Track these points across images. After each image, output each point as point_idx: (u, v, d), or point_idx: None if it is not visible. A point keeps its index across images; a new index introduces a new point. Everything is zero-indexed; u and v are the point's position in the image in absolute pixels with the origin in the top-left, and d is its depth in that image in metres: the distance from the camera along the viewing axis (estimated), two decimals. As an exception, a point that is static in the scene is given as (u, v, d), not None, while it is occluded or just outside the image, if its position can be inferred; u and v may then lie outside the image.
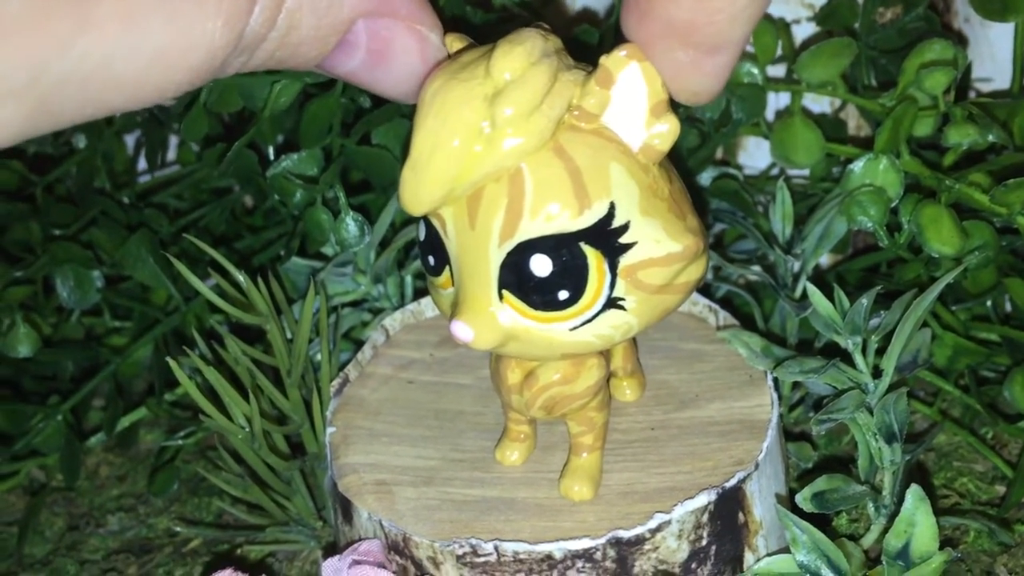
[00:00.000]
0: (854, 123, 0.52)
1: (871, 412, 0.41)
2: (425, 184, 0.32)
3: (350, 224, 0.44)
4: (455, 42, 0.34)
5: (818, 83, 0.46)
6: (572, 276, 0.33)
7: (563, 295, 0.33)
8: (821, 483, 0.39)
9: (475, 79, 0.32)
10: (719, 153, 0.51)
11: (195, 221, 0.49)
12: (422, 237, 0.35)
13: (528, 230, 0.33)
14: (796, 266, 0.45)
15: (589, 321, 0.34)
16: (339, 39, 0.32)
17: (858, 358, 0.40)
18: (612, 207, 0.33)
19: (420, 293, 0.48)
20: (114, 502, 0.50)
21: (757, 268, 0.46)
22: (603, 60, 0.32)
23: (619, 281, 0.33)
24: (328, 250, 0.47)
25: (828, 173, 0.48)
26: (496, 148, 0.32)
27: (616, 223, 0.33)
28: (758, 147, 0.53)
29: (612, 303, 0.34)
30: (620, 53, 0.32)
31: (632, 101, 0.33)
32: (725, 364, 0.43)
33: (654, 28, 0.31)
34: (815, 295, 0.40)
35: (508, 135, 0.32)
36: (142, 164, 0.54)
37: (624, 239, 0.33)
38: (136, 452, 0.53)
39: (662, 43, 0.32)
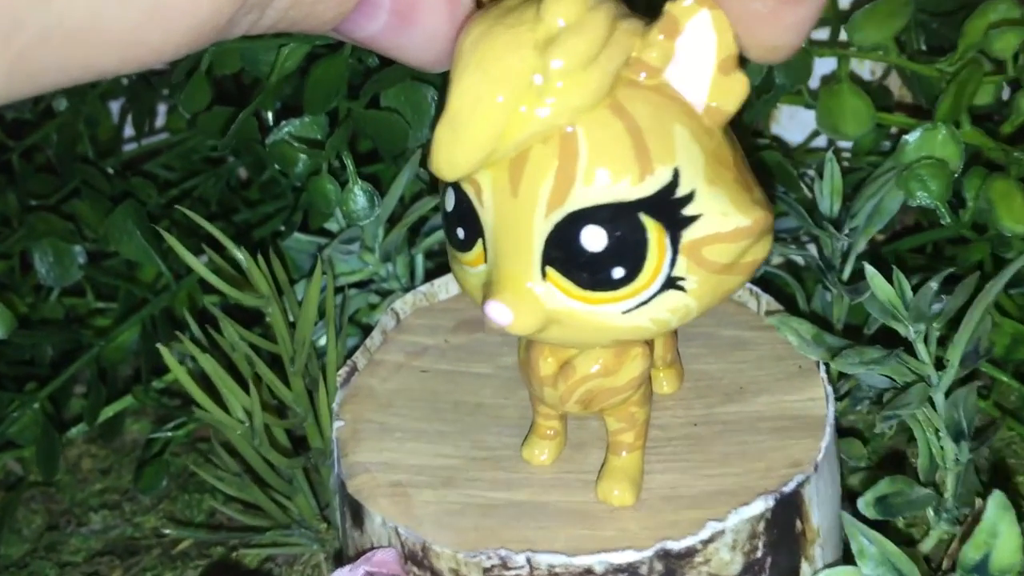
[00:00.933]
0: (895, 91, 0.48)
1: (934, 406, 0.37)
2: (464, 144, 0.28)
3: (359, 195, 0.40)
4: None
5: (870, 46, 0.42)
6: (629, 252, 0.29)
7: (618, 273, 0.29)
8: (884, 486, 0.36)
9: (523, 25, 0.28)
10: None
11: (187, 192, 0.44)
12: (450, 206, 0.31)
13: (581, 198, 0.29)
14: (844, 246, 0.41)
15: (645, 303, 0.30)
16: None
17: (921, 348, 0.37)
18: (676, 173, 0.29)
19: (432, 274, 0.44)
20: (97, 498, 0.47)
21: (803, 248, 0.42)
22: (669, 6, 0.29)
23: (680, 258, 0.30)
24: (332, 226, 0.43)
25: (875, 146, 0.44)
26: (547, 104, 0.28)
27: (680, 192, 0.29)
28: (791, 118, 0.49)
29: (671, 283, 0.30)
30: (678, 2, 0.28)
31: (699, 55, 0.29)
32: (770, 353, 0.39)
33: None
34: (875, 278, 0.37)
35: (561, 89, 0.28)
36: (128, 131, 0.50)
37: (688, 211, 0.29)
38: (121, 443, 0.49)
39: None
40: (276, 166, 0.40)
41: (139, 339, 0.44)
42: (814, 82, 0.46)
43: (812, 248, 0.44)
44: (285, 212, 0.44)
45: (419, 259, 0.45)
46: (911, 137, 0.41)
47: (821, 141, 0.47)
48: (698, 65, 0.29)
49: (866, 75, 0.49)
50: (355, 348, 0.41)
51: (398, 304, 0.42)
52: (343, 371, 0.39)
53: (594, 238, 0.29)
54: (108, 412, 0.46)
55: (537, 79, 0.28)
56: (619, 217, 0.29)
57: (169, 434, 0.44)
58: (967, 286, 0.37)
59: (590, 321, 0.30)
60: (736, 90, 0.29)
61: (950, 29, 0.43)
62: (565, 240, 0.29)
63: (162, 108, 0.50)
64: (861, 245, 0.41)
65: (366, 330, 0.44)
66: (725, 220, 0.30)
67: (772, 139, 0.48)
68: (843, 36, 0.45)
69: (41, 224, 0.42)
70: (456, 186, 0.30)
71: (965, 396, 0.36)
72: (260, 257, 0.37)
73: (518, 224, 0.29)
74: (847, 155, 0.47)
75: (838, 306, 0.42)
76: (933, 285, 0.35)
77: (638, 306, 0.30)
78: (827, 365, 0.37)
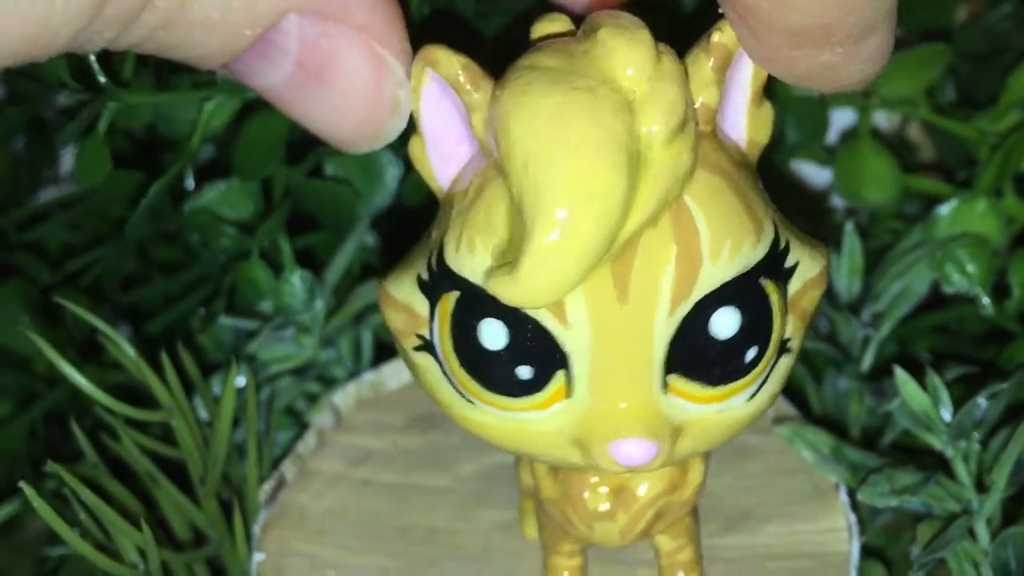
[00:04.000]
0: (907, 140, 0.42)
1: (973, 537, 0.31)
2: (579, 251, 0.22)
3: (296, 285, 0.33)
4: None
5: (897, 99, 0.36)
6: (760, 326, 0.24)
7: (751, 355, 0.24)
8: (921, 638, 0.30)
9: (602, 87, 0.22)
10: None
11: (89, 266, 0.38)
12: (500, 343, 0.24)
13: (709, 280, 0.24)
14: (864, 334, 0.35)
15: (766, 380, 0.25)
16: (257, 33, 0.23)
17: (960, 468, 0.31)
18: (774, 224, 0.25)
19: (380, 355, 0.38)
20: (-14, 609, 0.40)
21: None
22: (717, 37, 0.23)
23: (788, 316, 0.25)
24: (265, 304, 0.36)
25: (899, 210, 0.38)
26: (658, 177, 0.22)
27: (782, 243, 0.25)
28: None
29: (783, 348, 0.25)
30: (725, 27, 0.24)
31: (739, 88, 0.25)
32: (780, 465, 0.33)
33: (778, 42, 0.23)
34: (907, 385, 0.31)
35: (666, 157, 0.22)
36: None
37: (789, 261, 0.25)
38: (19, 541, 0.42)
39: (797, 53, 0.23)
40: (194, 237, 0.34)
41: (27, 437, 0.37)
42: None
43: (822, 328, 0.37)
44: (204, 286, 0.37)
45: (367, 338, 0.38)
46: (944, 209, 0.35)
47: (835, 200, 0.41)
48: (738, 99, 0.25)
49: (880, 122, 0.43)
50: (285, 451, 0.34)
51: (338, 397, 0.35)
52: (268, 485, 0.32)
53: (726, 322, 0.24)
54: (3, 513, 0.40)
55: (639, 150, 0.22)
56: (746, 289, 0.24)
57: (64, 550, 0.37)
58: (1007, 393, 0.31)
59: (720, 422, 0.25)
60: (767, 120, 0.25)
61: (985, 76, 0.37)
62: (692, 335, 0.24)
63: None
64: (884, 332, 0.35)
65: (301, 425, 0.37)
66: (813, 264, 0.26)
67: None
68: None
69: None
70: (511, 316, 0.24)
71: (1015, 535, 0.30)
72: (165, 353, 0.31)
73: (631, 334, 0.23)
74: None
75: (855, 403, 0.36)
76: (981, 402, 0.29)
77: (760, 386, 0.25)
78: (849, 487, 0.31)
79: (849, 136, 0.39)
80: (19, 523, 0.42)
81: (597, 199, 0.21)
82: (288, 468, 0.33)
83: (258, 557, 0.31)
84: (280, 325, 0.35)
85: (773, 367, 0.25)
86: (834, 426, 0.34)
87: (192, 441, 0.30)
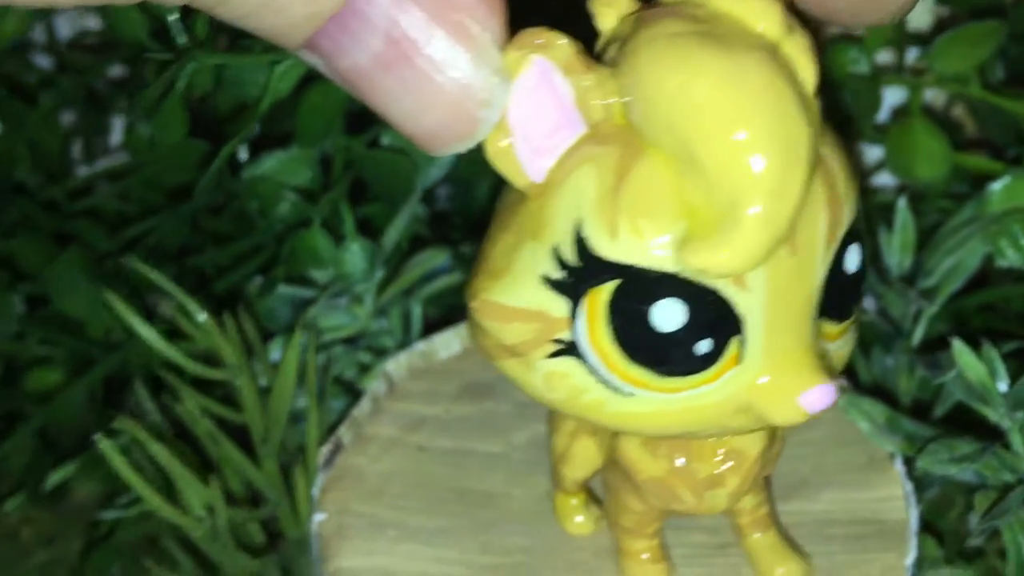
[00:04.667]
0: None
1: (1028, 507, 0.31)
2: (785, 214, 0.22)
3: (356, 253, 0.33)
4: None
5: (951, 76, 0.36)
6: (865, 263, 0.25)
7: (862, 289, 0.25)
8: (977, 605, 0.30)
9: (757, 46, 0.22)
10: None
11: (146, 233, 0.38)
12: (678, 323, 0.23)
13: (847, 218, 0.24)
14: (917, 308, 0.35)
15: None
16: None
17: (1017, 440, 0.31)
18: None
19: (430, 326, 0.38)
20: (39, 573, 0.41)
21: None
22: None
23: None
24: (318, 273, 0.36)
25: (948, 188, 0.38)
26: (816, 124, 0.23)
27: None
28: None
29: None
30: None
31: None
32: (835, 436, 0.33)
33: None
34: (964, 355, 0.31)
35: (817, 105, 0.23)
36: (77, 150, 0.43)
37: None
38: (67, 507, 0.42)
39: None
40: (253, 205, 0.34)
41: (86, 401, 0.38)
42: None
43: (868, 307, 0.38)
44: (261, 253, 0.37)
45: (416, 311, 0.38)
46: (998, 185, 0.35)
47: (881, 179, 0.41)
48: None
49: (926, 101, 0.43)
50: (339, 417, 0.34)
51: (391, 365, 0.36)
52: (326, 449, 0.33)
53: (854, 256, 0.25)
54: (52, 479, 0.40)
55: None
56: (859, 223, 0.25)
57: (120, 514, 0.37)
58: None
59: (841, 357, 0.26)
60: None
61: (1034, 56, 0.37)
62: (834, 275, 0.24)
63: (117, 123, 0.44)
64: (935, 307, 0.35)
65: (352, 393, 0.37)
66: None
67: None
68: (907, 61, 0.39)
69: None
70: (689, 293, 0.23)
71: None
72: (229, 315, 0.31)
73: (797, 284, 0.24)
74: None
75: (905, 378, 0.36)
76: (1043, 369, 0.30)
77: (852, 325, 0.26)
78: (905, 456, 0.32)
79: (899, 114, 0.39)
80: (68, 490, 0.42)
81: (803, 151, 0.22)
82: (345, 432, 0.33)
83: (319, 517, 0.31)
84: (337, 293, 0.35)
85: None
86: (884, 399, 0.35)
87: (255, 398, 0.30)
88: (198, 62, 0.26)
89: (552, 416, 0.30)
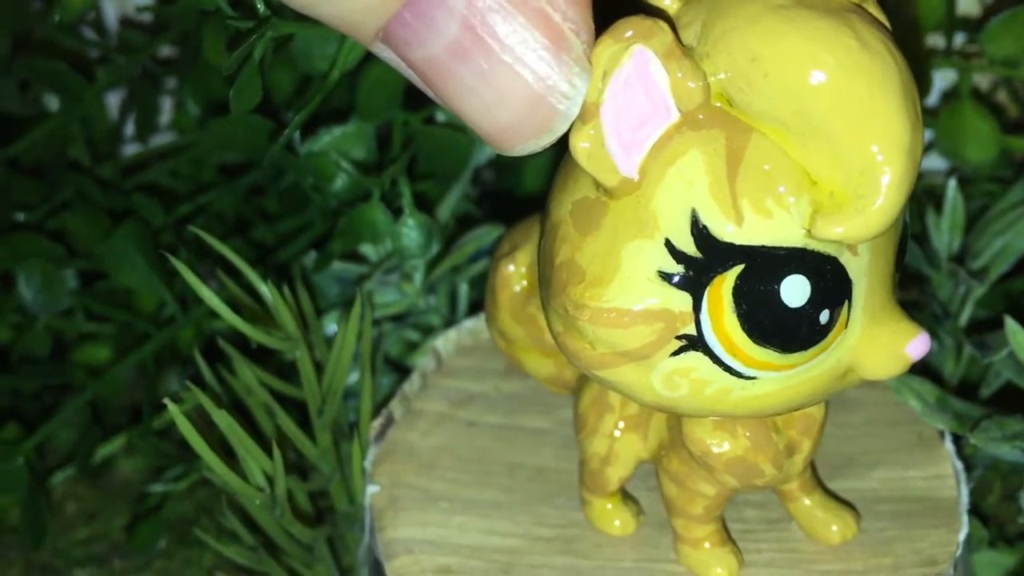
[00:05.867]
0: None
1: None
2: (916, 169, 0.23)
3: (414, 228, 0.34)
4: None
5: (1002, 59, 0.36)
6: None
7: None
8: (1024, 584, 0.30)
9: (853, 16, 0.22)
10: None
11: (198, 208, 0.38)
12: (802, 298, 0.23)
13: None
14: (964, 290, 0.35)
15: None
16: None
17: (1066, 418, 0.31)
18: None
19: (475, 306, 0.38)
20: (82, 548, 0.41)
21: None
22: None
23: None
24: (367, 250, 0.37)
25: (995, 172, 0.38)
26: None
27: None
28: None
29: None
30: None
31: None
32: (882, 417, 0.33)
33: None
34: (1017, 335, 0.31)
35: None
36: (128, 129, 0.44)
37: None
38: (111, 484, 0.43)
39: None
40: (308, 180, 0.34)
41: (136, 376, 0.38)
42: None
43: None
44: (311, 231, 0.37)
45: (463, 289, 0.39)
46: (1047, 166, 0.35)
47: (928, 162, 0.42)
48: None
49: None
50: (389, 393, 0.35)
51: (439, 342, 0.36)
52: (377, 423, 0.33)
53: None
54: (100, 454, 0.40)
55: None
56: None
57: (168, 487, 0.38)
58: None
59: None
60: None
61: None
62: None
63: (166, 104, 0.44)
64: (984, 288, 0.35)
65: (398, 371, 0.38)
66: None
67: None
68: (954, 44, 0.39)
69: (26, 243, 0.36)
70: (811, 265, 0.23)
71: None
72: (285, 288, 0.31)
73: (889, 243, 0.24)
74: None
75: (952, 360, 0.36)
76: (1094, 349, 0.30)
77: None
78: (954, 435, 0.32)
79: (948, 97, 0.39)
80: (113, 467, 0.43)
81: (919, 110, 0.22)
82: (395, 407, 0.34)
83: (372, 489, 0.31)
84: (389, 269, 0.35)
85: None
86: (936, 381, 0.35)
87: (312, 370, 0.31)
88: (276, 30, 0.26)
89: (584, 418, 0.30)
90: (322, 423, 0.32)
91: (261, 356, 0.34)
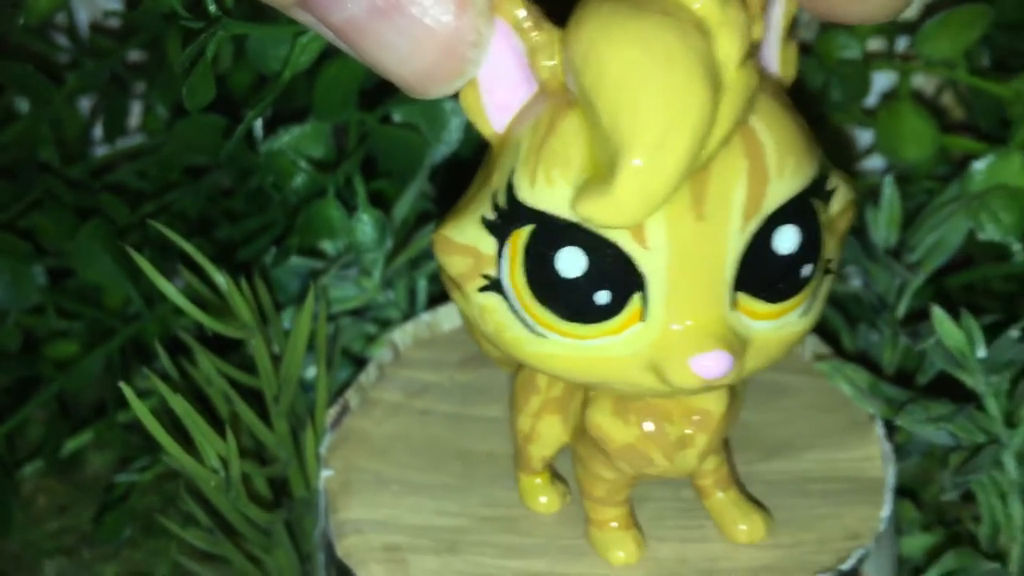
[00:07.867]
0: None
1: (1001, 469, 0.33)
2: (668, 170, 0.23)
3: (368, 223, 0.35)
4: None
5: (939, 60, 0.37)
6: (814, 243, 0.26)
7: (807, 271, 0.26)
8: (950, 561, 0.31)
9: (680, 12, 0.23)
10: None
11: (163, 207, 0.39)
12: (578, 270, 0.25)
13: (775, 196, 0.25)
14: (901, 282, 0.37)
15: (816, 297, 0.27)
16: None
17: (992, 403, 0.32)
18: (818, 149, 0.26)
19: (434, 300, 0.39)
20: (52, 541, 0.42)
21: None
22: None
23: (827, 237, 0.26)
24: (327, 246, 0.38)
25: (933, 169, 0.40)
26: (734, 98, 0.23)
27: (825, 167, 0.26)
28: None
29: (827, 267, 0.27)
30: None
31: (775, 23, 0.26)
32: (816, 402, 0.34)
33: None
34: (943, 323, 0.32)
35: (739, 79, 0.23)
36: (98, 131, 0.45)
37: (829, 185, 0.27)
38: (81, 478, 0.44)
39: None
40: (269, 179, 0.36)
41: (103, 370, 0.39)
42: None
43: (855, 282, 0.39)
44: (273, 229, 0.39)
45: (421, 284, 0.40)
46: (980, 164, 0.36)
47: (868, 163, 0.43)
48: (772, 35, 0.26)
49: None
50: (346, 384, 0.36)
51: (396, 335, 0.37)
52: (333, 411, 0.34)
53: (788, 238, 0.25)
54: (69, 447, 0.42)
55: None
56: (803, 207, 0.25)
57: (134, 477, 0.39)
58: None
59: (779, 338, 0.26)
60: (794, 57, 0.27)
61: (1020, 42, 0.39)
62: (759, 251, 0.25)
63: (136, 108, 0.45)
64: (919, 281, 0.37)
65: (358, 364, 0.39)
66: (847, 190, 0.27)
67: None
68: (898, 48, 0.41)
69: (-4, 241, 0.37)
70: (590, 243, 0.25)
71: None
72: (244, 281, 0.32)
73: (706, 252, 0.25)
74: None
75: (889, 349, 0.37)
76: (1014, 334, 0.31)
77: (812, 303, 0.26)
78: (884, 420, 0.33)
79: (888, 98, 0.41)
80: (82, 461, 0.44)
81: (691, 114, 0.22)
82: (351, 396, 0.35)
83: (326, 473, 0.33)
84: (346, 264, 0.37)
85: (821, 285, 0.27)
86: (869, 369, 0.36)
87: (268, 359, 0.32)
88: (227, 30, 0.27)
89: (515, 397, 0.31)
90: (279, 411, 0.33)
91: (225, 351, 0.36)
